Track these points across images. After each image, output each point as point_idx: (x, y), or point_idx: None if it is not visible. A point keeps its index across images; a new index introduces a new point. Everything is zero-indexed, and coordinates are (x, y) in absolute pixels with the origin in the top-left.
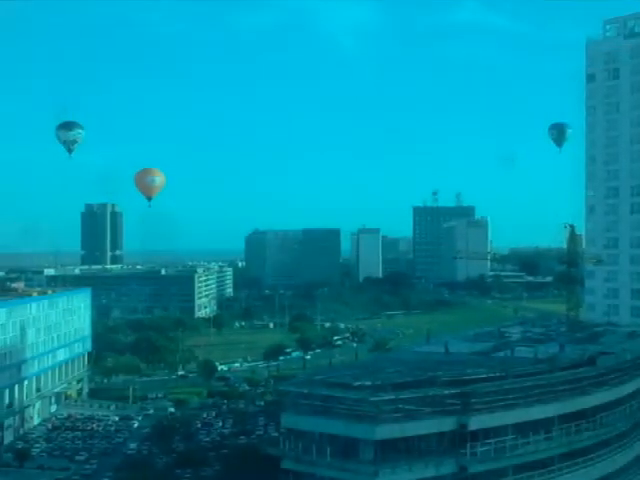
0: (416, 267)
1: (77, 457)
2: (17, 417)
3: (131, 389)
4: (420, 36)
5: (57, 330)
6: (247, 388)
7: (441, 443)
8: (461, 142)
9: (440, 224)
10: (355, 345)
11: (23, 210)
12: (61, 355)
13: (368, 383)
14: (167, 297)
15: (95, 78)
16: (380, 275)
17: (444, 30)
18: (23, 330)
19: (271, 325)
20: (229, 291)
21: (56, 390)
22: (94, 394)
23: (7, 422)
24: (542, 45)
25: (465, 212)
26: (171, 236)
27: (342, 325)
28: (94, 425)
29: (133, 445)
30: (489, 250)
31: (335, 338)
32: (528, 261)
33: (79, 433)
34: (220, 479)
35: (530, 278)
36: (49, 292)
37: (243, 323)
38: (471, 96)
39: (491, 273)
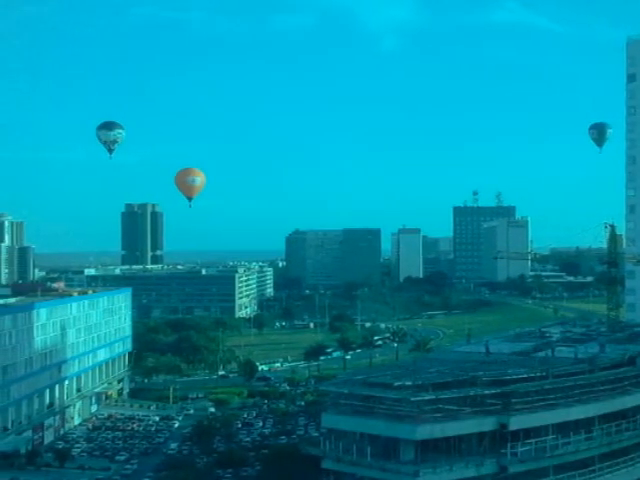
0: (456, 267)
1: (117, 457)
2: (58, 417)
3: (171, 389)
4: (459, 35)
5: (98, 330)
6: (287, 388)
7: (481, 443)
8: (502, 142)
9: (480, 224)
10: (396, 345)
11: (64, 210)
12: (102, 355)
13: (409, 383)
14: (208, 297)
15: (134, 77)
16: (420, 275)
17: (483, 29)
18: (64, 330)
19: (311, 325)
20: (270, 291)
21: (96, 390)
22: (135, 394)
23: (48, 422)
24: (582, 45)
25: (506, 212)
26: (212, 236)
27: (382, 325)
28: (134, 425)
29: (173, 445)
30: (529, 250)
31: (375, 338)
32: (568, 261)
33: (119, 433)
34: (261, 479)
35: (570, 278)
36: (90, 292)
37: (283, 323)
38: (511, 96)
39: (531, 273)
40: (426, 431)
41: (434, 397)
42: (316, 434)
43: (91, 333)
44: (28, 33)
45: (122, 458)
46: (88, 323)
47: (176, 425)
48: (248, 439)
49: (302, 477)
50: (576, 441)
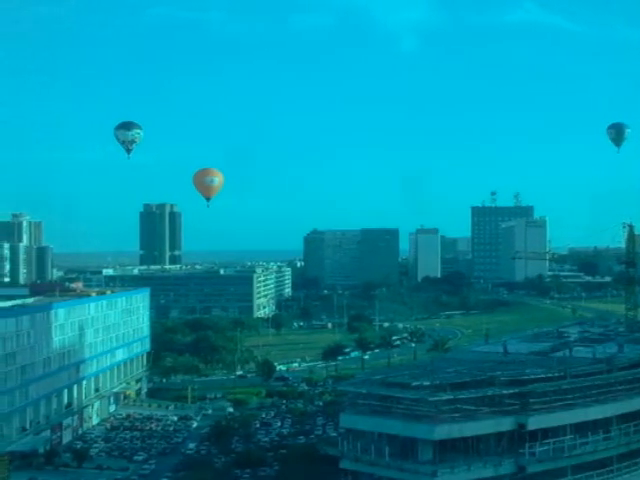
0: (474, 267)
1: (135, 457)
2: (76, 417)
3: (190, 389)
4: (476, 35)
5: (116, 330)
6: (305, 388)
7: (500, 443)
8: (519, 141)
9: (498, 224)
10: (413, 345)
11: (82, 211)
12: (120, 355)
13: (427, 383)
14: (226, 297)
15: (151, 77)
16: (438, 275)
17: (500, 29)
18: (82, 330)
19: (329, 325)
20: (288, 291)
21: (115, 390)
22: (153, 394)
23: (66, 422)
24: (599, 44)
25: (524, 212)
26: (229, 236)
27: (400, 325)
28: (153, 425)
29: (192, 445)
30: (548, 250)
31: (394, 338)
32: (587, 261)
33: (137, 433)
34: (279, 479)
35: (589, 278)
36: (108, 292)
37: (301, 323)
38: (528, 95)
39: (549, 273)
40: (444, 431)
41: (452, 397)
42: (334, 434)
43: (109, 333)
44: (44, 33)
45: (140, 458)
46: (106, 323)
47: (194, 425)
48: (266, 439)
49: (320, 477)
50: (594, 441)
